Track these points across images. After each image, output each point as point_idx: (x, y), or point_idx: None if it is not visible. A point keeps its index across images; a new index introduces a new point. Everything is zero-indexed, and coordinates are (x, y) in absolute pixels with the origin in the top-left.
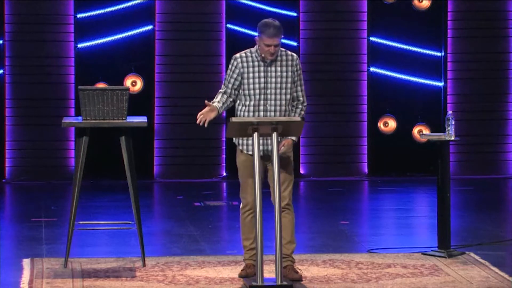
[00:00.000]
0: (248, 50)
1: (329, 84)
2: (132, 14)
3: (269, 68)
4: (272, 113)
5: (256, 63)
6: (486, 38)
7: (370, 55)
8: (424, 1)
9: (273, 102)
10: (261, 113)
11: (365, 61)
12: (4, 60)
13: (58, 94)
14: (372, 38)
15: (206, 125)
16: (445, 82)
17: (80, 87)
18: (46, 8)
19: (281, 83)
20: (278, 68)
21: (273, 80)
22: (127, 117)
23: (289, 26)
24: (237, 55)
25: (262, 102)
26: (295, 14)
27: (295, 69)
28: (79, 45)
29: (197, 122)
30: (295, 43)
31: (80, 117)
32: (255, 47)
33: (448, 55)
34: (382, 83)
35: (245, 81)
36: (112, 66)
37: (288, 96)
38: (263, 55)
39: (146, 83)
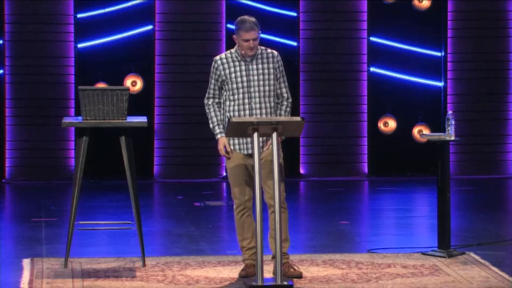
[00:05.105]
0: (228, 51)
1: (329, 84)
2: (132, 14)
3: (250, 66)
4: (258, 111)
5: (237, 63)
6: (486, 38)
7: (370, 55)
8: (424, 1)
9: (257, 100)
10: (247, 112)
11: (365, 61)
12: (4, 60)
13: (58, 94)
14: (372, 38)
15: (230, 153)
16: (445, 82)
17: (80, 87)
18: (46, 8)
19: (263, 80)
20: (260, 66)
21: (255, 78)
22: (127, 117)
23: (289, 26)
24: (217, 57)
25: (246, 100)
26: (295, 14)
27: (276, 65)
28: (79, 45)
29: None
30: (295, 43)
31: (80, 117)
32: (235, 47)
33: (448, 55)
34: (382, 83)
35: (228, 81)
36: (112, 66)
37: (272, 93)
38: (243, 52)
39: (146, 83)
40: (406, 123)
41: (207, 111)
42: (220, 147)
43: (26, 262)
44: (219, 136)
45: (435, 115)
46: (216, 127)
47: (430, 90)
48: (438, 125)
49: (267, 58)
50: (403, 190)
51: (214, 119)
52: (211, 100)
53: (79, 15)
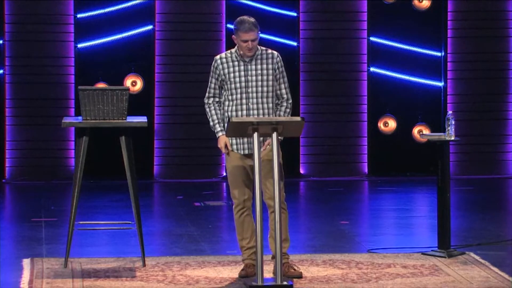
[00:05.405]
0: (228, 51)
1: (329, 84)
2: (132, 14)
3: (249, 67)
4: (255, 111)
5: (236, 62)
6: (486, 38)
7: (370, 55)
8: (424, 1)
9: (255, 100)
10: (244, 112)
11: (365, 61)
12: (4, 60)
13: (58, 94)
14: (372, 38)
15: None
16: (445, 82)
17: (80, 87)
18: (46, 8)
19: (261, 80)
20: (258, 66)
21: (254, 78)
22: (127, 117)
23: (289, 26)
24: (217, 56)
25: (244, 101)
26: (295, 14)
27: (276, 66)
28: (79, 45)
29: (226, 153)
30: (295, 43)
31: (80, 117)
32: (235, 47)
33: (448, 55)
34: (382, 83)
35: (227, 81)
36: (112, 66)
37: (271, 94)
38: (241, 52)
39: (146, 83)
40: (406, 123)
41: (207, 109)
42: (221, 145)
43: (26, 262)
44: (220, 134)
45: (435, 115)
46: (217, 125)
47: (430, 90)
48: (438, 125)
49: (267, 58)
50: (403, 190)
51: (215, 117)
52: (211, 99)
53: (79, 15)
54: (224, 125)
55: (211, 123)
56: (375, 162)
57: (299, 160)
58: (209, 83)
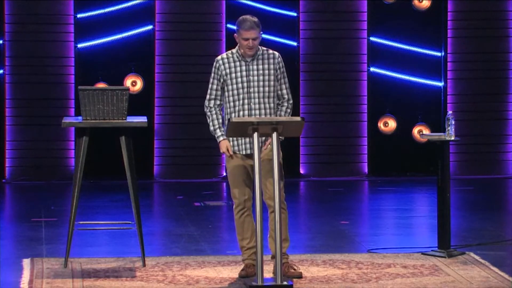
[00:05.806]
0: (229, 51)
1: (329, 84)
2: (132, 14)
3: (250, 67)
4: (257, 111)
5: (237, 63)
6: (486, 38)
7: (370, 55)
8: (424, 1)
9: (256, 101)
10: (246, 112)
11: (365, 61)
12: (4, 60)
13: (58, 94)
14: (372, 38)
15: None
16: (445, 82)
17: (80, 87)
18: (46, 8)
19: (263, 81)
20: (260, 66)
21: (255, 78)
22: (127, 117)
23: (289, 26)
24: (219, 57)
25: (246, 101)
26: (295, 14)
27: (277, 66)
28: (79, 45)
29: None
30: (295, 43)
31: (80, 117)
32: (236, 47)
33: (448, 55)
34: (382, 83)
35: (228, 81)
36: (112, 66)
37: (272, 94)
38: (242, 51)
39: (146, 83)
40: (406, 123)
41: (208, 113)
42: (223, 150)
43: (26, 262)
44: (221, 139)
45: (435, 115)
46: (217, 130)
47: (430, 90)
48: (438, 125)
49: (268, 59)
50: (403, 190)
51: (215, 122)
52: (213, 102)
53: (79, 15)
54: (223, 125)
55: (211, 128)
56: (375, 162)
57: (299, 160)
58: (210, 85)
